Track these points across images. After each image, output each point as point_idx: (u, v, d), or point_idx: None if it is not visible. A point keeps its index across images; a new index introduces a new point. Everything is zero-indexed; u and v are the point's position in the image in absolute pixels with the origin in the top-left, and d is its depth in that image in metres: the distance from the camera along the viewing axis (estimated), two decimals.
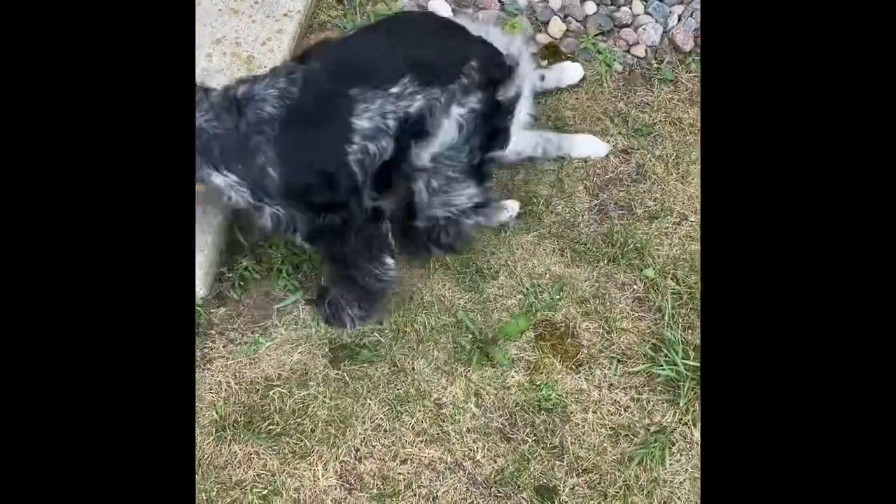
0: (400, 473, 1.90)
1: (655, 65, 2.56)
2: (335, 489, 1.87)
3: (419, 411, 1.96)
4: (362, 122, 1.76)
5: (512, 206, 2.24)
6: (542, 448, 1.94)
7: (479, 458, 1.92)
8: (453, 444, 1.93)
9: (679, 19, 2.62)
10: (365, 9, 2.55)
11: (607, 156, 2.37)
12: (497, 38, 2.08)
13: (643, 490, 1.90)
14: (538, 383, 2.01)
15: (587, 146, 2.37)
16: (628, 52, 2.59)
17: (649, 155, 2.37)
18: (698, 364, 1.98)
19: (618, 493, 1.90)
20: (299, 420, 1.93)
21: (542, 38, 2.58)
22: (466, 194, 2.00)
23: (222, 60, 2.34)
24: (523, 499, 1.89)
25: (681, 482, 1.92)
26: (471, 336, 2.06)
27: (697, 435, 1.96)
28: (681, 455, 1.95)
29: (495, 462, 1.92)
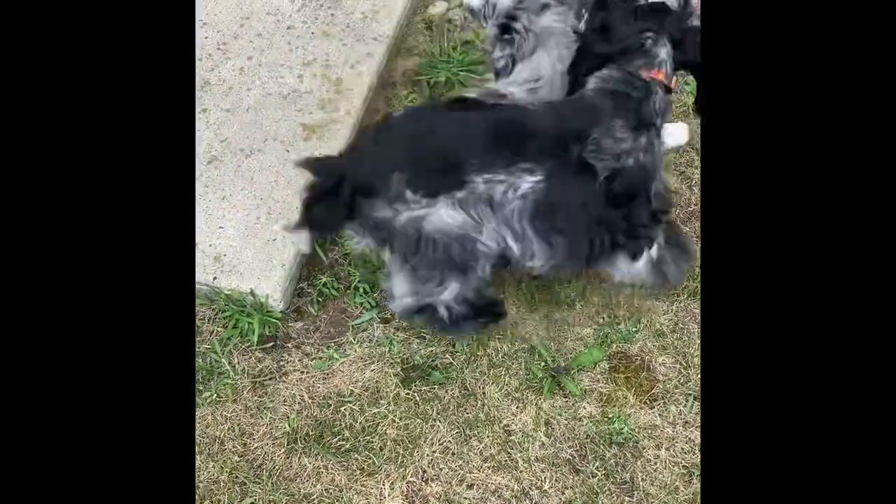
0: (466, 498, 1.88)
1: None
2: None
3: (488, 437, 1.95)
4: None
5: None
6: (612, 483, 1.90)
7: (546, 488, 1.89)
8: (521, 472, 1.91)
9: None
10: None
11: (692, 188, 2.33)
12: None
13: None
14: (610, 416, 1.97)
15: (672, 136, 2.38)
16: None
17: None
18: None
19: None
20: (369, 437, 1.95)
21: None
22: None
23: (312, 82, 2.41)
24: None
25: None
26: (543, 364, 2.04)
27: None
28: None
29: (563, 494, 1.89)
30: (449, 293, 1.88)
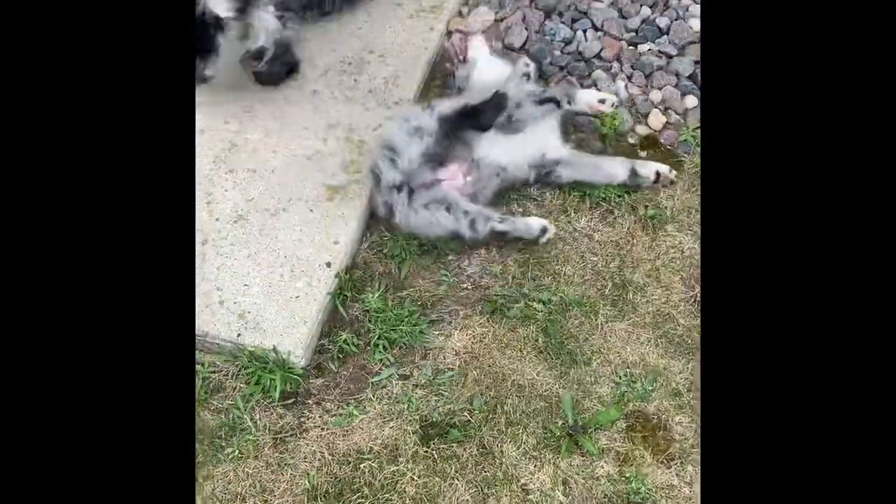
0: None
1: None
2: None
3: (506, 496, 1.96)
4: None
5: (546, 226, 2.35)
6: None
7: None
8: None
9: None
10: None
11: (695, 240, 2.37)
12: None
13: None
14: (628, 475, 1.98)
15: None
16: None
17: None
18: None
19: None
20: (388, 496, 1.97)
21: (642, 130, 2.63)
22: None
23: (336, 144, 2.49)
24: None
25: None
26: (561, 422, 2.06)
27: None
28: None
29: None
30: None
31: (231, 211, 2.34)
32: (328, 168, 2.44)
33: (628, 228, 2.43)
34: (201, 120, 2.52)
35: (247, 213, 2.34)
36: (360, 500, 1.96)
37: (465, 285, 2.33)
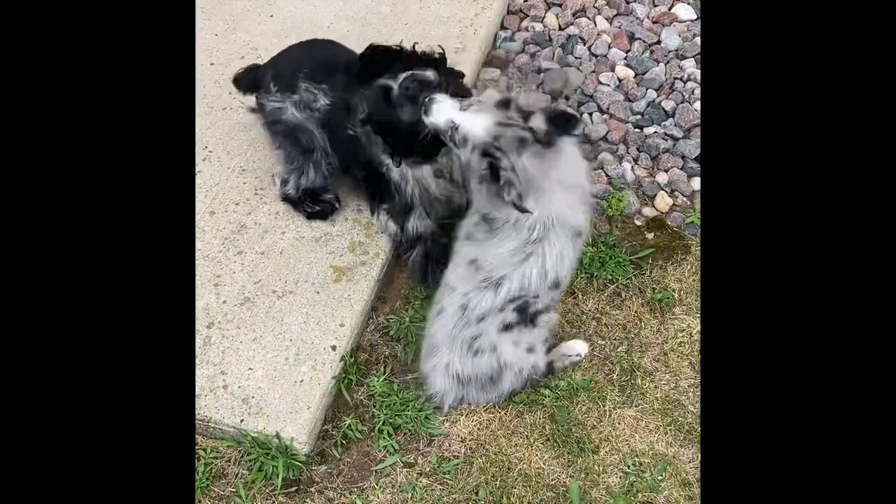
0: None
1: None
2: None
3: None
4: None
5: (580, 348, 2.30)
6: None
7: None
8: None
9: None
10: None
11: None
12: None
13: None
14: None
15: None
16: None
17: None
18: None
19: None
20: None
21: (649, 212, 2.64)
22: None
23: (343, 225, 2.51)
24: None
25: None
26: None
27: None
28: None
29: None
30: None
31: (238, 293, 2.35)
32: (336, 249, 2.46)
33: (636, 311, 2.41)
34: (211, 201, 2.55)
35: (254, 296, 2.35)
36: None
37: None
